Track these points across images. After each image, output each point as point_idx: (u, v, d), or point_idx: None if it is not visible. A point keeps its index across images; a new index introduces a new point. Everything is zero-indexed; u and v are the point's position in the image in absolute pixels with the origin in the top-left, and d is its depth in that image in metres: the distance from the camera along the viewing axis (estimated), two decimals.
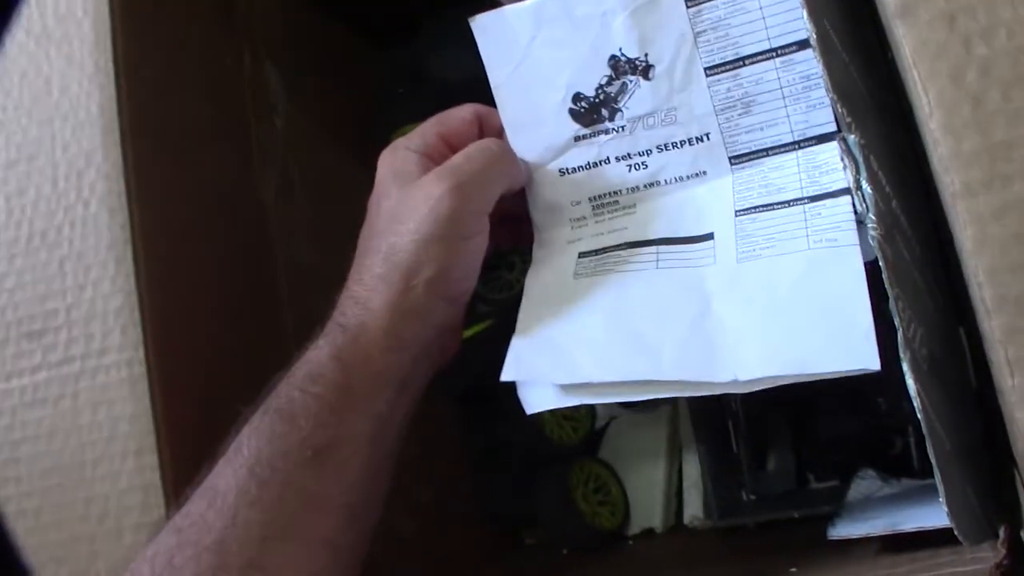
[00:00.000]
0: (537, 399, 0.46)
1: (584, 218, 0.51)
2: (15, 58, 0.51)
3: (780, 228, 0.44)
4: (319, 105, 0.65)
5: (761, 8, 0.44)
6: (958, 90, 0.34)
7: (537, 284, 0.49)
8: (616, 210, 0.50)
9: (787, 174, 0.46)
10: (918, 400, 0.38)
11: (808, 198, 0.44)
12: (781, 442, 0.59)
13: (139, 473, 0.46)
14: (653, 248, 0.48)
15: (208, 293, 0.52)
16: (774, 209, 0.45)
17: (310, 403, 0.42)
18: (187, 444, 0.47)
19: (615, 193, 0.50)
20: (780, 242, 0.44)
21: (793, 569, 0.47)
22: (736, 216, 0.46)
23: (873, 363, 0.39)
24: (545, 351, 0.46)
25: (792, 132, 0.45)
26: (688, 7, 0.45)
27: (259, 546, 0.39)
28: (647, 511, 0.64)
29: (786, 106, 0.45)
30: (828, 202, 0.44)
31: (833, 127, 0.44)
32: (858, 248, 0.41)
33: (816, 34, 0.40)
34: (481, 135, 0.50)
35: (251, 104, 0.59)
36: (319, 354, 0.43)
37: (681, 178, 0.48)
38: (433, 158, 0.47)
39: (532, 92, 0.49)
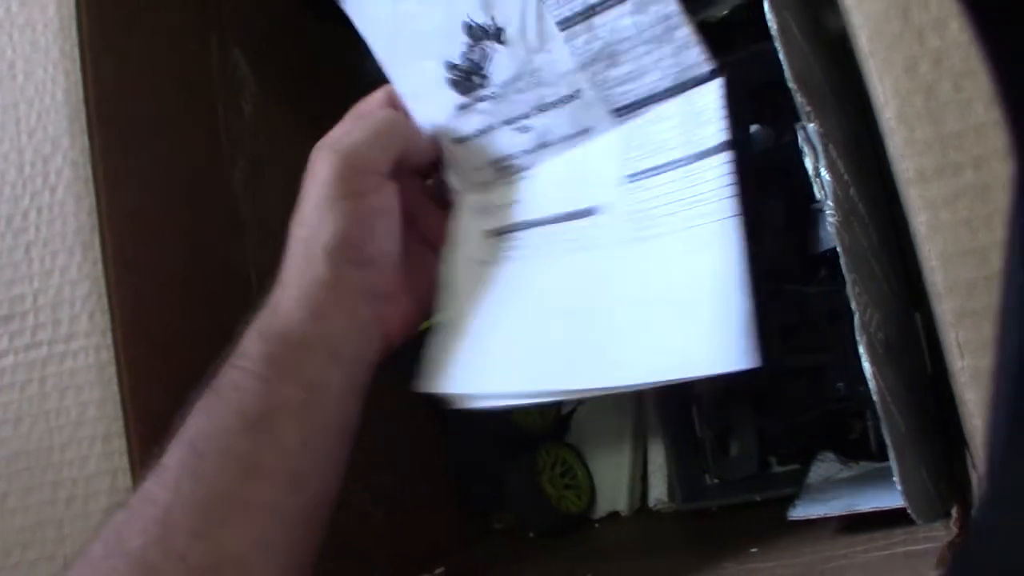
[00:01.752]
0: (454, 400, 0.47)
1: (487, 182, 0.51)
2: None
3: (664, 201, 0.43)
4: (288, 91, 0.65)
5: None
6: (912, 80, 0.35)
7: (448, 270, 0.50)
8: (515, 172, 0.50)
9: (668, 127, 0.43)
10: (874, 383, 0.39)
11: (690, 157, 0.42)
12: (744, 427, 0.60)
13: (107, 458, 0.47)
14: (547, 228, 0.48)
15: (176, 279, 0.52)
16: (659, 173, 0.43)
17: (238, 376, 0.43)
18: (155, 429, 0.46)
19: (509, 156, 0.49)
20: (661, 218, 0.43)
21: (754, 549, 0.48)
22: (627, 183, 0.45)
23: (752, 360, 0.37)
24: (451, 360, 0.47)
25: (665, 77, 0.43)
26: None
27: (202, 515, 0.40)
28: (613, 495, 0.65)
29: (650, 51, 0.42)
30: (705, 162, 0.41)
31: (707, 67, 0.42)
32: (734, 220, 0.40)
33: (777, 25, 0.41)
34: None
35: (219, 90, 0.59)
36: (247, 333, 0.45)
37: (568, 136, 0.47)
38: None
39: (411, 63, 0.49)
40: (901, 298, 0.46)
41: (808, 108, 0.40)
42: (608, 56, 0.43)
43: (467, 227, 0.51)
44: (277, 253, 0.60)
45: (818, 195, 0.40)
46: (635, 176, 0.45)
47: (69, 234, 0.48)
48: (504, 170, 0.50)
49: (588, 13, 0.42)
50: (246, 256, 0.59)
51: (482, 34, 0.46)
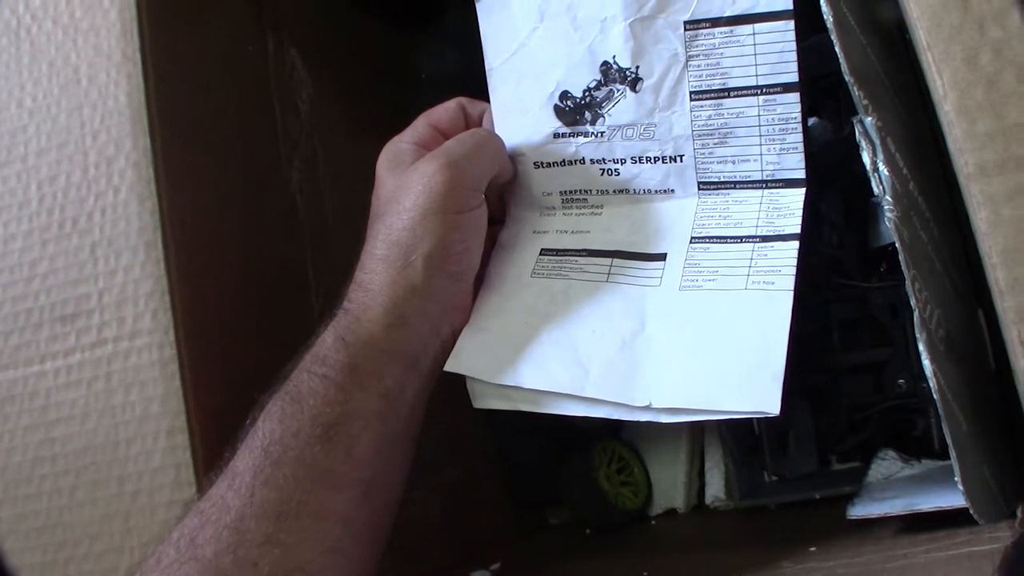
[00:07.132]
0: (481, 393, 0.47)
1: (553, 208, 0.52)
2: (44, 48, 0.52)
3: (726, 263, 0.46)
4: (344, 91, 0.66)
5: (755, 45, 0.45)
6: (972, 72, 0.34)
7: (497, 274, 0.51)
8: (584, 207, 0.51)
9: (748, 210, 0.47)
10: (934, 380, 0.38)
11: (760, 237, 0.45)
12: (803, 423, 0.59)
13: (171, 452, 0.48)
14: (608, 260, 0.49)
15: (235, 277, 0.53)
16: (727, 243, 0.46)
17: (316, 384, 0.43)
18: (217, 423, 0.48)
19: (585, 191, 0.51)
20: (722, 277, 0.45)
21: (813, 548, 0.47)
22: (691, 243, 0.47)
23: (774, 408, 0.40)
24: (487, 349, 0.47)
25: (762, 171, 0.46)
26: (686, 30, 0.46)
27: (275, 523, 0.40)
28: (669, 491, 0.65)
29: (761, 144, 0.46)
30: (777, 244, 0.45)
31: (802, 174, 0.45)
32: (791, 294, 0.43)
33: (833, 17, 0.40)
34: (467, 124, 0.52)
35: (276, 90, 0.60)
36: (324, 338, 0.45)
37: (650, 191, 0.49)
38: (427, 146, 0.49)
39: (523, 82, 0.50)
40: (964, 294, 0.45)
41: (865, 101, 0.40)
42: (722, 135, 0.47)
43: (524, 242, 0.52)
44: (333, 252, 0.61)
45: (876, 190, 0.40)
46: (701, 239, 0.47)
47: (132, 234, 0.49)
48: (573, 202, 0.51)
49: (722, 94, 0.46)
50: (303, 255, 0.59)
51: (618, 77, 0.48)
